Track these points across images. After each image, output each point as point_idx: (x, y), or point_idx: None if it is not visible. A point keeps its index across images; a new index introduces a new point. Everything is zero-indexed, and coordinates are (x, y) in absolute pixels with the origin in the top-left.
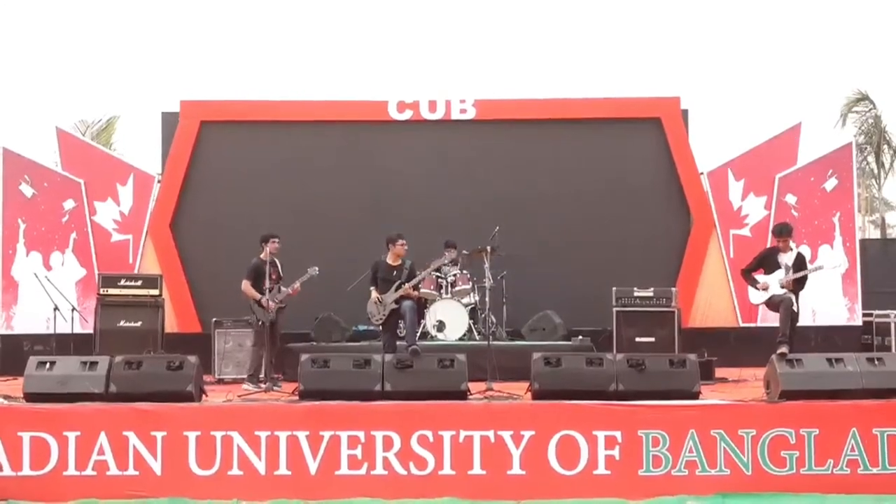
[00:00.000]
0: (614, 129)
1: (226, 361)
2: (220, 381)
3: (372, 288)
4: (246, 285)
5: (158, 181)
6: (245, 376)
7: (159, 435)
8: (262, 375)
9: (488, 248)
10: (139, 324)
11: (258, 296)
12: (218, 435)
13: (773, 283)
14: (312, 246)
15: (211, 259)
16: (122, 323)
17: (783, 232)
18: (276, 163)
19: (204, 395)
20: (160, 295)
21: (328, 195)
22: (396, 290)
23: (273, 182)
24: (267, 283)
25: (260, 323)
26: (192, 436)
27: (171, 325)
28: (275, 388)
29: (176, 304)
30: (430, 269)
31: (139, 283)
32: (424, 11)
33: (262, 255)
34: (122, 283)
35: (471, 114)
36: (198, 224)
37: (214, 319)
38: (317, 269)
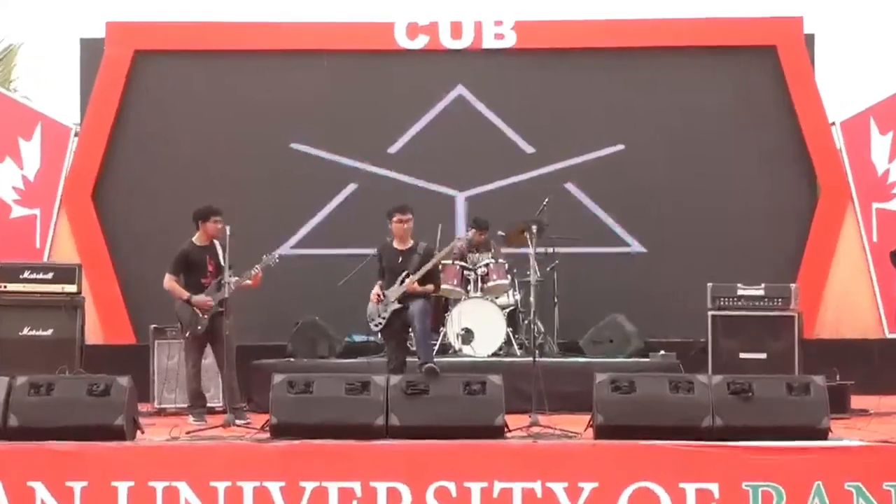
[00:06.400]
0: (710, 60)
1: (169, 384)
2: (162, 412)
3: (378, 283)
4: (169, 281)
5: (76, 134)
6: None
7: (78, 486)
8: (205, 402)
9: (534, 226)
10: (50, 332)
11: (185, 294)
12: (159, 486)
13: None
14: (291, 220)
15: (149, 242)
16: (25, 331)
17: None
18: (241, 107)
19: (139, 432)
20: (79, 292)
21: (312, 151)
22: (402, 283)
23: (236, 133)
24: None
25: (187, 333)
26: (122, 487)
27: (93, 333)
28: (237, 421)
29: (100, 304)
30: (441, 255)
31: (50, 275)
32: None
33: (195, 240)
34: (27, 275)
35: (510, 40)
36: (131, 192)
37: (154, 326)
38: (277, 255)
